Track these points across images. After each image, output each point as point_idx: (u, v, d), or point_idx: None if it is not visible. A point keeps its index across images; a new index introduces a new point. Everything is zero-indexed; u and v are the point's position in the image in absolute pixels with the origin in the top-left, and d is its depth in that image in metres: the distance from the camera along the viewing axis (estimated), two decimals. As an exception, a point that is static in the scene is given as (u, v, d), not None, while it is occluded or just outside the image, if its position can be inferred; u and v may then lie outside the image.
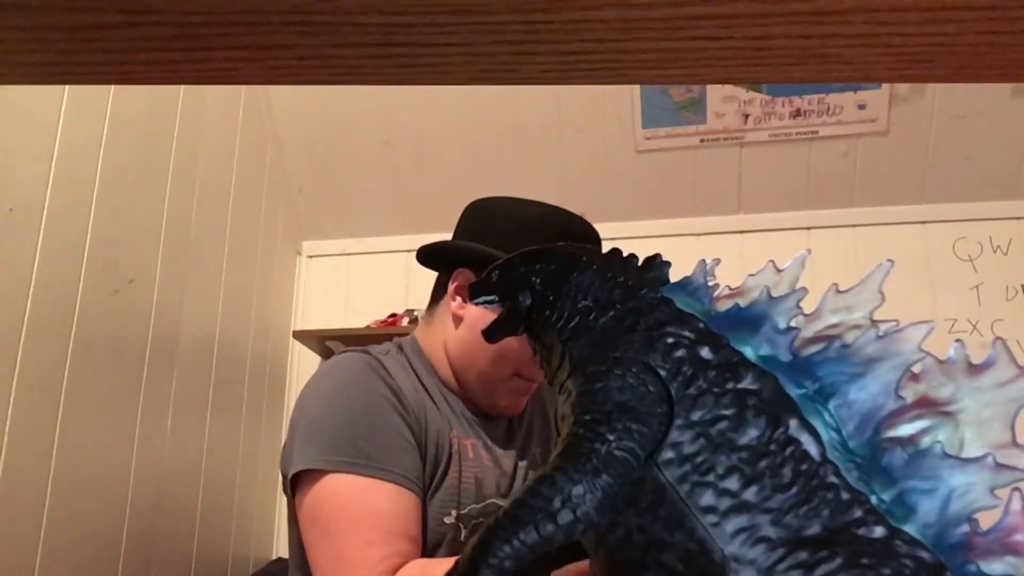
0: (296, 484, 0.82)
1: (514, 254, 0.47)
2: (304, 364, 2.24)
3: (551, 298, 0.43)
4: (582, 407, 0.36)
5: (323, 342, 2.12)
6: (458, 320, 0.96)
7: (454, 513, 0.86)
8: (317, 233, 2.34)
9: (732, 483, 0.32)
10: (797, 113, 2.06)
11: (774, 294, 0.36)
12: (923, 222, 2.12)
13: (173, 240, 1.62)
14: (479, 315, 0.92)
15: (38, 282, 1.24)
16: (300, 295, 2.32)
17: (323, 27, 0.25)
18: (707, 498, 0.32)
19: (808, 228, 2.16)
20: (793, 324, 0.36)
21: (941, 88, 1.98)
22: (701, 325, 0.37)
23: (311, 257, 2.36)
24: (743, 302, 0.37)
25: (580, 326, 0.41)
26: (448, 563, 0.72)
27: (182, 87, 1.68)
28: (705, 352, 0.36)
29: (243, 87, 1.99)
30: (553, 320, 0.42)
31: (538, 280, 0.44)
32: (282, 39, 0.26)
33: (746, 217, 2.19)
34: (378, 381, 0.86)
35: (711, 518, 0.32)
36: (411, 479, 0.82)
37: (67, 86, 1.31)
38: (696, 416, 0.34)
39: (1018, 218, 2.09)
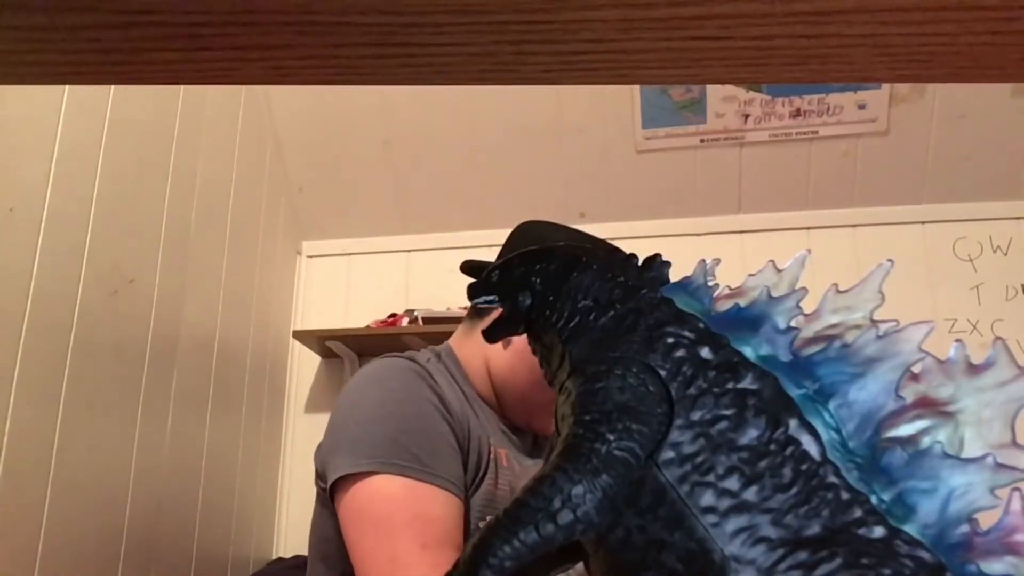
0: (343, 482, 0.83)
1: (514, 254, 0.47)
2: (304, 364, 2.24)
3: (551, 298, 0.43)
4: (582, 407, 0.36)
5: (323, 342, 2.12)
6: (507, 343, 0.97)
7: (489, 519, 0.87)
8: (317, 233, 2.34)
9: (732, 483, 0.32)
10: (797, 113, 2.06)
11: (774, 294, 0.36)
12: (923, 222, 2.12)
13: (173, 240, 1.62)
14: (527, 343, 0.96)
15: (38, 282, 1.24)
16: (300, 295, 2.31)
17: (323, 27, 0.25)
18: (707, 498, 0.32)
19: (808, 228, 2.16)
20: (793, 324, 0.35)
21: (941, 88, 1.98)
22: (701, 325, 0.37)
23: (311, 257, 2.36)
24: (743, 302, 0.37)
25: (580, 326, 0.41)
26: None
27: (182, 87, 1.68)
28: (705, 352, 0.36)
29: (243, 87, 1.99)
30: (553, 320, 0.42)
31: (538, 280, 0.44)
32: (282, 39, 0.26)
33: (746, 217, 2.19)
34: (426, 388, 0.87)
35: (711, 518, 0.32)
36: (458, 485, 0.84)
37: (67, 86, 1.31)
38: (696, 416, 0.34)
39: (1018, 218, 2.09)
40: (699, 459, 0.33)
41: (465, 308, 2.04)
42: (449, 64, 0.27)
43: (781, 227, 2.16)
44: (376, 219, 2.30)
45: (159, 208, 1.60)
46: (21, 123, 1.24)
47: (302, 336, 2.14)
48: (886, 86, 1.97)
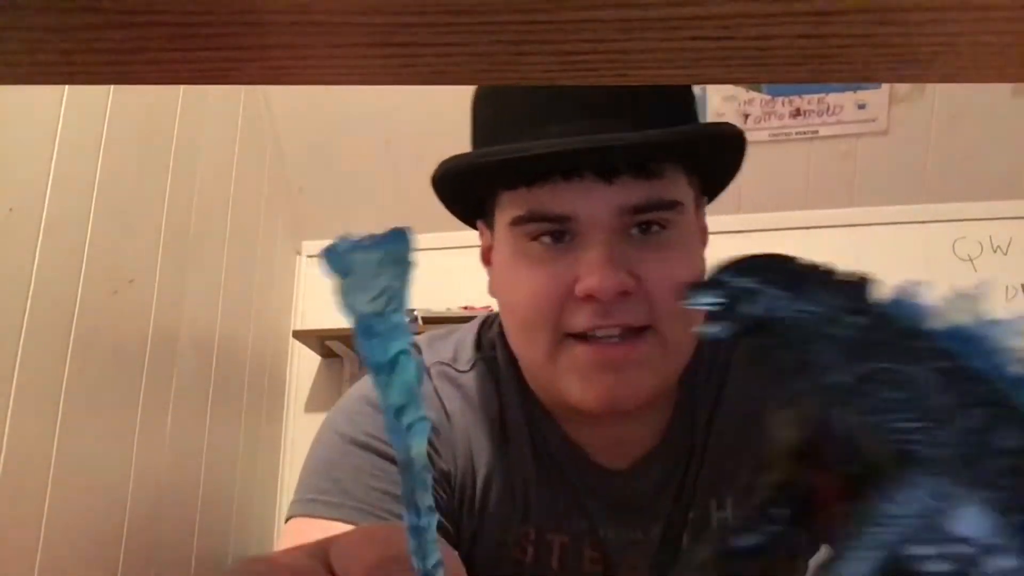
0: None
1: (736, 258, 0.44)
2: (304, 364, 2.24)
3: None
4: None
5: (323, 342, 2.12)
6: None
7: None
8: (317, 233, 2.34)
9: None
10: (797, 113, 2.06)
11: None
12: (923, 222, 2.12)
13: (173, 240, 1.62)
14: (501, 255, 0.64)
15: (38, 282, 1.24)
16: (300, 295, 2.32)
17: (323, 27, 0.25)
18: None
19: (808, 228, 2.16)
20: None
21: (941, 88, 1.97)
22: None
23: (311, 257, 2.36)
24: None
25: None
26: None
27: (182, 87, 1.68)
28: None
29: (243, 87, 1.99)
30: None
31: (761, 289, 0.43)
32: (282, 39, 0.26)
33: (746, 217, 2.18)
34: (367, 426, 0.62)
35: None
36: (363, 511, 0.57)
37: (67, 86, 1.31)
38: None
39: (1018, 218, 2.09)
40: None
41: (465, 308, 2.04)
42: (449, 64, 0.27)
43: (781, 227, 2.15)
44: (376, 219, 2.30)
45: (159, 208, 1.60)
46: (21, 123, 1.24)
47: (302, 336, 2.14)
48: (886, 86, 1.97)
